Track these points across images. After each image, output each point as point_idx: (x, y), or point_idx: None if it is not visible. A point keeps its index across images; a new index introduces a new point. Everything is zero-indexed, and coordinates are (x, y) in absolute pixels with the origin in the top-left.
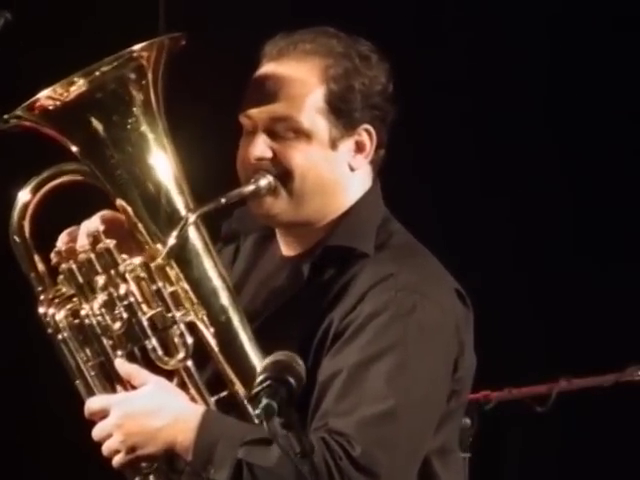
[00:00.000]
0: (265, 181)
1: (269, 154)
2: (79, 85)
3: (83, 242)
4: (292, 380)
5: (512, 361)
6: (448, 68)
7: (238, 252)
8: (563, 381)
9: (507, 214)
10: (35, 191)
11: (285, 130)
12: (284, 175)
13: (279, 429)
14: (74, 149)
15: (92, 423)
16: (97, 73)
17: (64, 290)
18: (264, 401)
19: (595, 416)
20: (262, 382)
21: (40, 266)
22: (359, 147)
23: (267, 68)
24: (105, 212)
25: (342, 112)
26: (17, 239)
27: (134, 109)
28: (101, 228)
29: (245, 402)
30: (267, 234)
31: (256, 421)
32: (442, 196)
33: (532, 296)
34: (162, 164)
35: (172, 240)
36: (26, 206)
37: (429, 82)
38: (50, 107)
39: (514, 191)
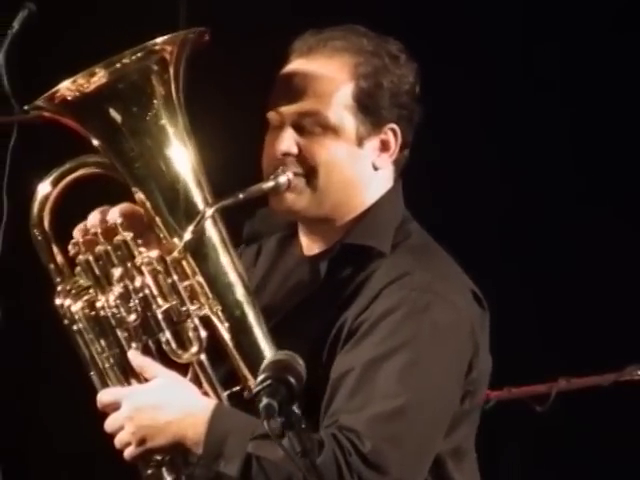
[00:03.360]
0: (284, 178)
1: (295, 150)
2: (100, 76)
3: (94, 222)
4: (292, 380)
5: (512, 361)
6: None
7: (260, 253)
8: (562, 380)
9: (507, 214)
10: (55, 183)
11: (312, 125)
12: (309, 171)
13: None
14: (94, 141)
15: (105, 415)
16: (118, 65)
17: (82, 282)
18: (264, 400)
19: (594, 415)
20: (262, 382)
21: (59, 257)
22: (384, 146)
23: (296, 64)
24: (124, 205)
25: (370, 110)
26: (37, 231)
27: (154, 102)
28: (119, 220)
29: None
30: (289, 234)
31: None
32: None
33: (532, 295)
34: (181, 158)
35: (188, 234)
36: (46, 198)
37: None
38: (71, 98)
39: (516, 190)
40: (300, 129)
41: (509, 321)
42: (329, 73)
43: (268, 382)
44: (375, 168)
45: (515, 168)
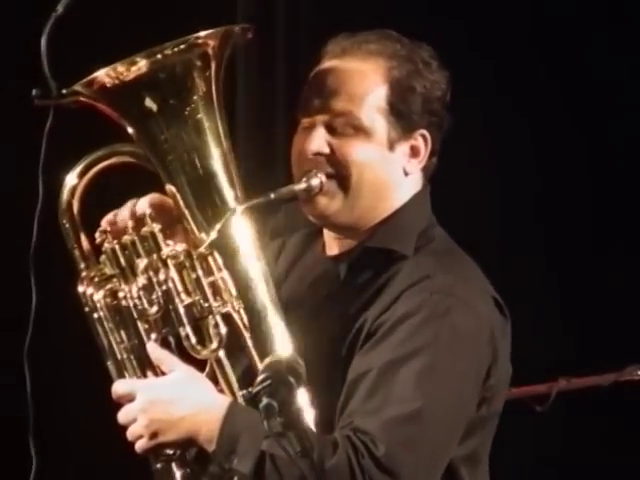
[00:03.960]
0: (317, 180)
1: (326, 150)
2: (140, 66)
3: (124, 216)
4: (292, 379)
5: (512, 360)
6: None
7: (284, 248)
8: (562, 380)
9: (505, 213)
10: (85, 171)
11: (344, 126)
12: (341, 172)
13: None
14: (129, 129)
15: (119, 406)
16: (159, 56)
17: (106, 270)
18: (264, 400)
19: (594, 415)
20: (262, 381)
21: (85, 245)
22: (414, 152)
23: (329, 65)
24: (154, 195)
25: (402, 114)
26: (65, 219)
27: (193, 95)
28: (148, 211)
29: None
30: (313, 231)
31: None
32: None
33: (532, 296)
34: (215, 154)
35: (216, 230)
36: (75, 186)
37: None
38: (109, 85)
39: (513, 189)
40: (331, 130)
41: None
42: (362, 75)
43: (268, 382)
44: (405, 173)
45: (514, 169)
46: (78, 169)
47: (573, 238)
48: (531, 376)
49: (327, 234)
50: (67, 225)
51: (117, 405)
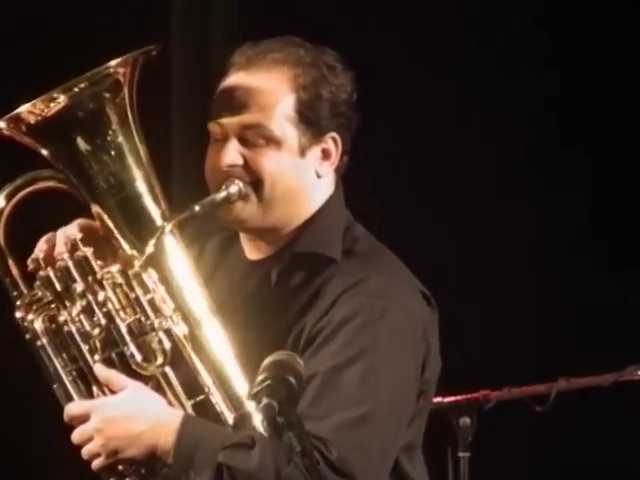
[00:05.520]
0: (235, 188)
1: (240, 161)
2: (58, 101)
3: (61, 249)
4: (292, 379)
5: (512, 361)
6: None
7: (202, 254)
8: (562, 380)
9: (508, 213)
10: (9, 198)
11: (255, 137)
12: (255, 181)
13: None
14: (52, 160)
15: (71, 427)
16: (75, 89)
17: (40, 295)
18: (264, 400)
19: (594, 415)
20: (262, 382)
21: (15, 271)
22: (325, 154)
23: (236, 77)
24: (81, 220)
25: (311, 120)
26: None
27: (111, 123)
28: (79, 236)
29: (220, 407)
30: (230, 235)
31: (230, 423)
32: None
33: (531, 295)
34: (138, 175)
35: (149, 248)
36: (0, 213)
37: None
38: (31, 121)
39: (515, 192)
40: (243, 141)
41: (509, 321)
42: (270, 86)
43: (268, 382)
44: (318, 176)
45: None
46: (0, 197)
47: (573, 238)
48: (531, 376)
49: (244, 239)
50: None
51: (69, 427)
